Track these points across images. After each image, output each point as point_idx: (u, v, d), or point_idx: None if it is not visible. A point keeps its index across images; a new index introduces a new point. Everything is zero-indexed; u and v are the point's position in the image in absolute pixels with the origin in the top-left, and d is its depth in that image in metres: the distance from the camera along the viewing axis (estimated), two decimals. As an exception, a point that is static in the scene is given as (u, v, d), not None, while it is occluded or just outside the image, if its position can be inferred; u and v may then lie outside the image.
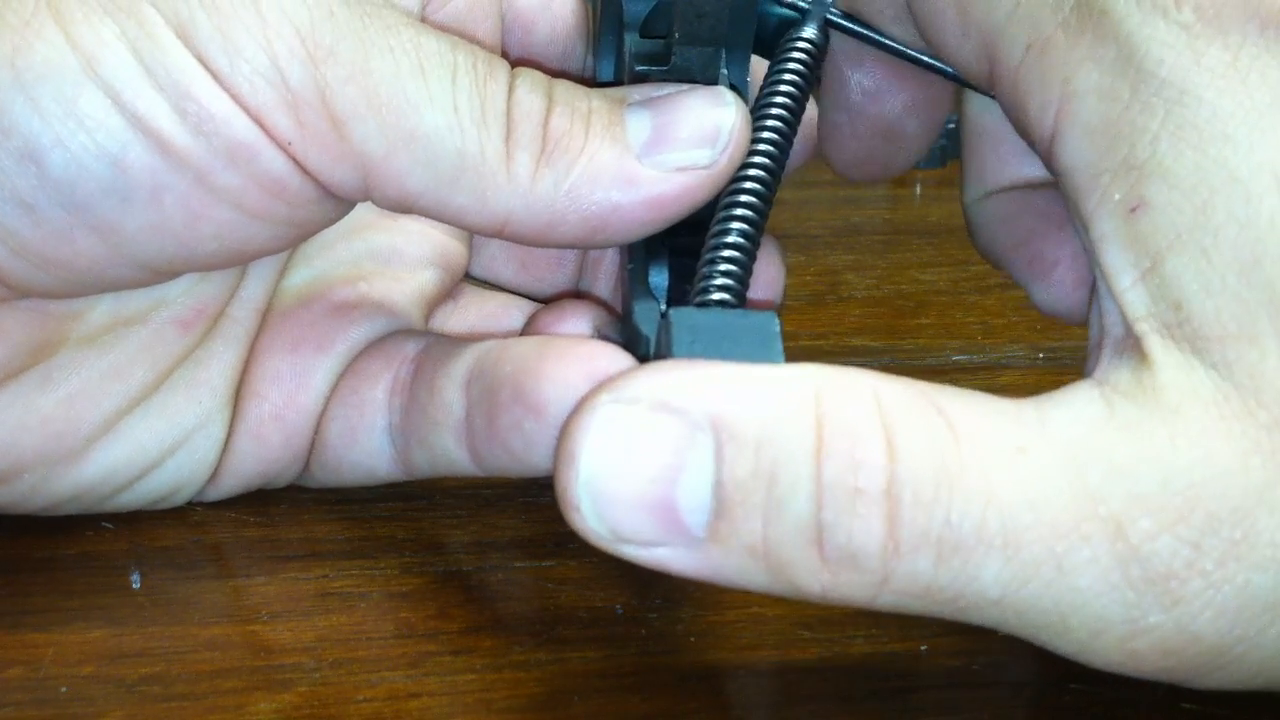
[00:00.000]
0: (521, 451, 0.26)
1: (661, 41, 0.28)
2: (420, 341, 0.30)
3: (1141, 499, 0.19)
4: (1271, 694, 0.25)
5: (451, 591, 0.29)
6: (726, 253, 0.24)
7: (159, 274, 0.26)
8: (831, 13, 0.28)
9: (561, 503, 0.21)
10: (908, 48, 0.27)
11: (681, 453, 0.20)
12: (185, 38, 0.23)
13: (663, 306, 0.27)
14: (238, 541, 0.30)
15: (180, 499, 0.30)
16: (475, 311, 0.33)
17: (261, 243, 0.26)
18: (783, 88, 0.27)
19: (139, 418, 0.28)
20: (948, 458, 0.20)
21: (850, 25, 0.28)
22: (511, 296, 0.34)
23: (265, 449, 0.30)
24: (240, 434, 0.29)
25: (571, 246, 0.27)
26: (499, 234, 0.26)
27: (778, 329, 0.23)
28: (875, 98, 0.29)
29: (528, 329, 0.32)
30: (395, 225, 0.32)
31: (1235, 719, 0.26)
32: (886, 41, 0.27)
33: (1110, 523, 0.19)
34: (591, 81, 0.30)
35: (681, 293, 0.27)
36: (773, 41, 0.28)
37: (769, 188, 0.26)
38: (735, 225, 0.25)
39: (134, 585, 0.28)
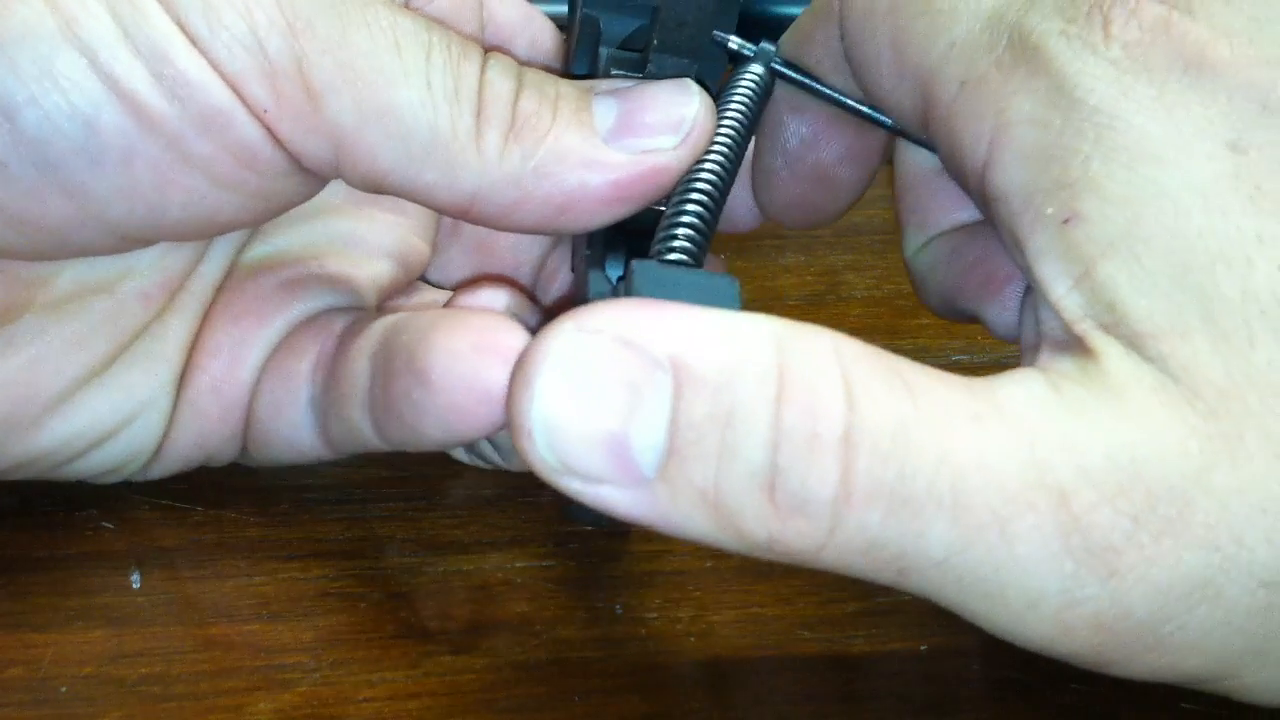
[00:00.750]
0: (412, 420, 0.26)
1: (637, 53, 0.28)
2: (350, 318, 0.30)
3: (1086, 471, 0.20)
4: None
5: (451, 591, 0.29)
6: (686, 217, 0.25)
7: (128, 240, 0.26)
8: (776, 61, 0.28)
9: (512, 428, 0.21)
10: (847, 97, 0.28)
11: (639, 389, 0.20)
12: (166, 3, 0.23)
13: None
14: (238, 541, 0.30)
15: (126, 473, 0.30)
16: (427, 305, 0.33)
17: (230, 214, 0.26)
18: (734, 103, 0.28)
19: (96, 388, 0.28)
20: (905, 414, 0.20)
21: (793, 74, 0.28)
22: None
23: (204, 422, 0.29)
24: (182, 407, 0.29)
25: (536, 231, 0.27)
26: (466, 214, 0.26)
27: (738, 291, 0.23)
28: (812, 145, 0.30)
29: (447, 307, 0.31)
30: (360, 212, 0.32)
31: (1235, 719, 0.26)
32: (827, 91, 0.28)
33: (1055, 491, 0.20)
34: None
35: None
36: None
37: (723, 179, 0.26)
38: (691, 204, 0.25)
39: (134, 585, 0.28)
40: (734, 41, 0.28)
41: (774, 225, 0.31)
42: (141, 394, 0.29)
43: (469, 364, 0.25)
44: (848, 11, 0.27)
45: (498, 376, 0.25)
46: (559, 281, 0.33)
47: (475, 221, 0.26)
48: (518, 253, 0.33)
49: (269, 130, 0.24)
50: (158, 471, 0.30)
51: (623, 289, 0.23)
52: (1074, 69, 0.22)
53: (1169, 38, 0.22)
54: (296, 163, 0.25)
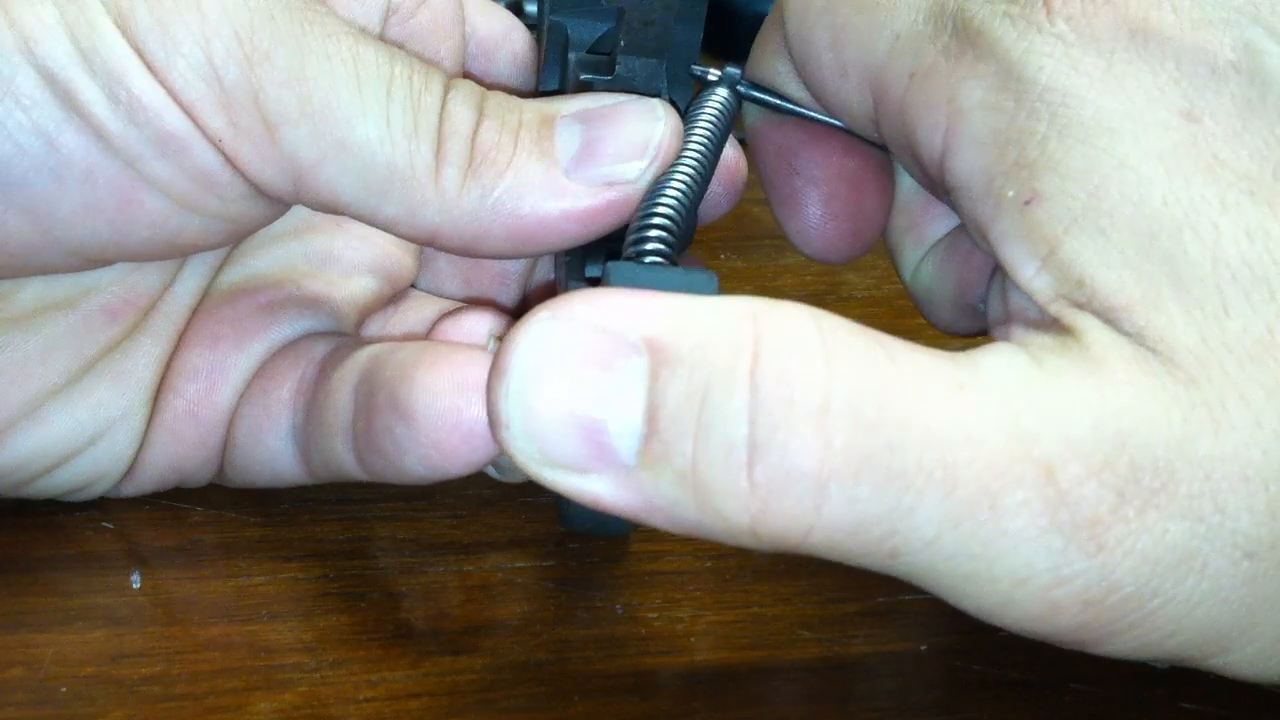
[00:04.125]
0: (394, 456, 0.26)
1: (605, 56, 0.28)
2: (331, 344, 0.30)
3: (1072, 443, 0.20)
4: (1272, 695, 0.25)
5: (451, 591, 0.29)
6: (657, 219, 0.25)
7: (91, 260, 0.26)
8: (741, 83, 0.29)
9: (490, 419, 0.21)
10: (808, 109, 0.28)
11: (615, 374, 0.20)
12: (124, 27, 0.23)
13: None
14: (238, 541, 0.30)
15: (96, 491, 0.30)
16: (414, 316, 0.32)
17: (194, 235, 0.26)
18: (703, 116, 0.27)
19: (63, 403, 0.28)
20: (888, 383, 0.20)
21: (756, 94, 0.29)
22: (452, 302, 0.33)
23: (180, 445, 0.29)
24: (156, 428, 0.29)
25: (503, 256, 0.27)
26: (430, 244, 0.26)
27: (716, 287, 0.23)
28: (820, 147, 0.29)
29: (430, 333, 0.32)
30: (338, 229, 0.32)
31: (1235, 719, 0.26)
32: (788, 105, 0.28)
33: (1042, 465, 0.20)
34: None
35: None
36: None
37: (697, 184, 0.26)
38: (662, 206, 0.25)
39: (134, 585, 0.28)
40: (697, 69, 0.28)
41: (774, 225, 0.31)
42: (110, 411, 0.28)
43: (451, 402, 0.25)
44: (788, 15, 0.26)
45: (479, 414, 0.25)
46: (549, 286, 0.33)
47: (442, 250, 0.26)
48: (505, 262, 0.33)
49: (227, 157, 0.24)
50: (131, 490, 0.30)
51: (602, 280, 0.23)
52: (1021, 49, 0.22)
53: (1111, 6, 0.22)
54: (257, 188, 0.25)
